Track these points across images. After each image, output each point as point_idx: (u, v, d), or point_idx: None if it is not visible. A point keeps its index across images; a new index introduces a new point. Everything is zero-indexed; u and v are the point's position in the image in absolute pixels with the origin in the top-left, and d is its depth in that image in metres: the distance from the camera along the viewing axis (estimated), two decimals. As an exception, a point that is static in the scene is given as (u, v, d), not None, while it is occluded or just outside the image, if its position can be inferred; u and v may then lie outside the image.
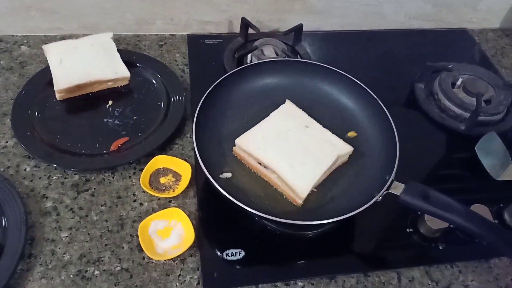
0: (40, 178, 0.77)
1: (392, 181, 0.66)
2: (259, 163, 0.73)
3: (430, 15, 1.15)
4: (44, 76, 0.89)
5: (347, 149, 0.74)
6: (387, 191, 0.65)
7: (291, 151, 0.72)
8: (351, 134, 0.80)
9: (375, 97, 0.78)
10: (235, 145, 0.74)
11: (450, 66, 0.98)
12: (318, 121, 0.78)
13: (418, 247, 0.74)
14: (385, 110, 0.76)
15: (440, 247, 0.73)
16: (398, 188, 0.65)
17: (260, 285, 0.68)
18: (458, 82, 0.97)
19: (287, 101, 0.81)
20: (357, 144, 0.77)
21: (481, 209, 0.74)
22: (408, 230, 0.75)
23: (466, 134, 0.90)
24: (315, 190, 0.72)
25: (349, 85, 0.83)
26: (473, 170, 0.86)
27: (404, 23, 1.15)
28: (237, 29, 1.05)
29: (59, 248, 0.69)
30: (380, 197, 0.65)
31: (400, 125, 0.75)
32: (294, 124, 0.76)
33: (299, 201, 0.69)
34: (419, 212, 0.75)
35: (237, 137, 0.74)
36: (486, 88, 0.95)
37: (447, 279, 0.71)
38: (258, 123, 0.77)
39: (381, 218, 0.77)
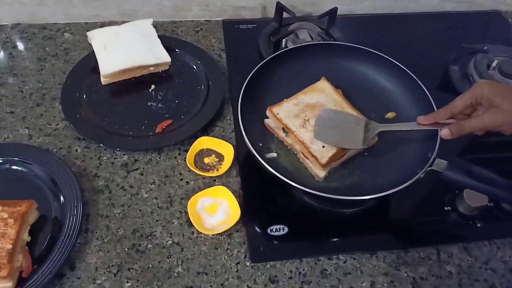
0: (91, 158, 0.81)
1: (435, 158, 0.68)
2: (286, 132, 0.75)
3: (463, -3, 1.15)
4: (89, 62, 0.93)
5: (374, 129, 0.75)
6: (430, 168, 0.67)
7: (316, 122, 0.74)
8: (390, 115, 0.81)
9: (414, 77, 0.80)
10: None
11: (485, 48, 0.99)
12: (356, 102, 0.80)
13: (456, 225, 0.76)
14: (425, 89, 0.78)
15: (478, 225, 0.75)
16: (441, 165, 0.67)
17: (304, 259, 0.71)
18: (494, 64, 0.97)
19: (322, 78, 0.83)
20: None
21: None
22: (446, 208, 0.77)
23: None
24: (336, 166, 0.74)
25: (387, 66, 0.84)
26: (508, 151, 0.87)
27: (436, 6, 1.15)
28: (271, 14, 1.06)
29: (113, 223, 0.73)
30: (423, 174, 0.67)
31: (436, 107, 0.77)
32: (326, 99, 0.79)
33: (321, 174, 0.72)
34: (457, 191, 0.77)
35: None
36: (522, 69, 0.95)
37: (486, 255, 0.73)
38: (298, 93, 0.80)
39: (419, 197, 0.79)
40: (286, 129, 0.75)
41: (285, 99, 0.79)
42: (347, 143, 0.73)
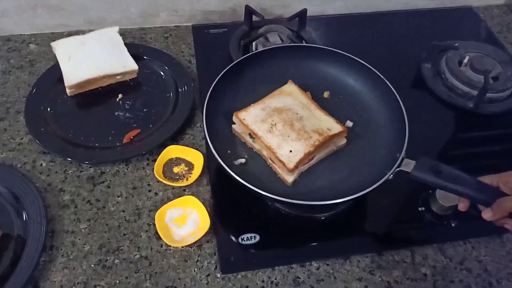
0: (56, 172, 0.79)
1: (403, 158, 0.67)
2: (253, 137, 0.74)
3: (435, -6, 1.15)
4: (54, 73, 0.91)
5: (340, 129, 0.74)
6: (399, 168, 0.66)
7: (284, 127, 0.73)
8: (326, 94, 0.83)
9: (382, 77, 0.79)
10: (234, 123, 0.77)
11: (456, 44, 0.98)
12: (325, 104, 0.79)
13: (430, 225, 0.75)
14: (393, 89, 0.77)
15: (453, 224, 0.74)
16: (409, 165, 0.66)
17: (276, 268, 0.69)
18: (465, 60, 0.96)
19: (289, 81, 0.82)
20: (366, 124, 0.78)
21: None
22: (420, 208, 0.76)
23: (474, 112, 0.90)
24: (304, 171, 0.73)
25: (355, 67, 0.83)
26: (481, 147, 0.87)
27: (409, 3, 1.15)
28: (241, 17, 1.05)
29: (79, 239, 0.71)
30: (392, 175, 0.66)
31: (408, 105, 0.76)
32: (293, 103, 0.77)
33: (289, 179, 0.71)
34: (430, 191, 0.76)
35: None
36: (493, 65, 0.94)
37: (461, 255, 0.72)
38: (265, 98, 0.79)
39: (393, 198, 0.77)
40: (252, 135, 0.73)
41: (251, 104, 0.77)
42: None
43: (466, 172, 0.63)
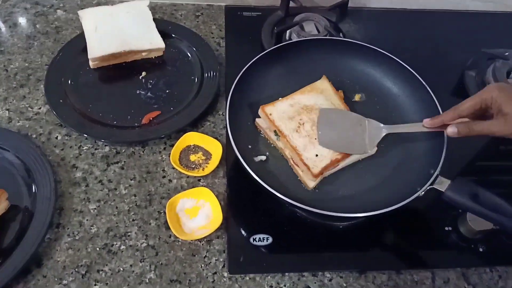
0: (71, 147, 0.76)
1: (437, 175, 0.62)
2: (278, 135, 0.70)
3: (489, -4, 1.06)
4: (79, 43, 0.88)
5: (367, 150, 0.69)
6: (431, 186, 0.61)
7: (313, 128, 0.69)
8: (357, 96, 0.79)
9: (424, 83, 0.73)
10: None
11: (507, 54, 0.90)
12: (358, 105, 0.74)
13: (456, 247, 0.69)
14: (434, 98, 0.71)
15: (481, 249, 0.69)
16: (443, 184, 0.61)
17: (286, 274, 0.66)
18: (515, 72, 0.89)
19: (323, 77, 0.77)
20: (401, 135, 0.73)
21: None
22: (447, 228, 0.71)
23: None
24: (326, 176, 0.69)
25: (395, 68, 0.77)
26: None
27: (459, 4, 1.06)
28: (277, 2, 0.99)
29: (87, 220, 0.69)
30: (423, 192, 0.61)
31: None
32: (324, 103, 0.73)
33: (311, 184, 0.67)
34: (460, 210, 0.70)
35: None
36: (545, 80, 0.87)
37: (485, 284, 0.67)
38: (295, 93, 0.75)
39: (419, 214, 0.72)
40: (278, 132, 0.69)
41: (280, 98, 0.72)
42: (352, 148, 0.68)
43: (506, 199, 0.57)
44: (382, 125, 0.70)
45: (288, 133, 0.68)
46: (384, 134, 0.69)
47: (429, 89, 0.72)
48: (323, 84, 0.76)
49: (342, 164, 0.69)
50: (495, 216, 0.57)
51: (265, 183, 0.62)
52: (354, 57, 0.81)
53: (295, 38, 0.89)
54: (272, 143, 0.72)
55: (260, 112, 0.71)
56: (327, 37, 0.85)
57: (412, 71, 0.74)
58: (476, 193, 0.58)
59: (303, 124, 0.69)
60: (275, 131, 0.70)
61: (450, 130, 0.64)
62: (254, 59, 0.75)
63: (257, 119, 0.73)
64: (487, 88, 0.63)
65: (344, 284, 0.65)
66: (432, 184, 0.61)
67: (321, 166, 0.65)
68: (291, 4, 0.97)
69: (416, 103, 0.75)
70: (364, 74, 0.80)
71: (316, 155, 0.66)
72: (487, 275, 0.68)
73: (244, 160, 0.64)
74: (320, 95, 0.74)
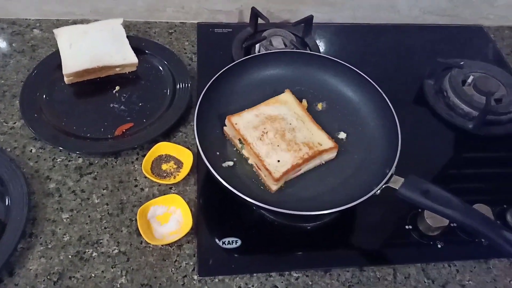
0: (45, 159, 0.78)
1: (392, 175, 0.65)
2: (243, 143, 0.73)
3: (446, 10, 1.13)
4: (54, 60, 0.90)
5: (330, 145, 0.73)
6: (386, 184, 0.64)
7: (276, 136, 0.73)
8: (320, 106, 0.82)
9: (380, 90, 0.77)
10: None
11: (462, 63, 0.96)
12: (321, 114, 0.79)
13: (416, 244, 0.73)
14: (389, 103, 0.75)
15: (439, 245, 0.72)
16: (397, 182, 0.64)
17: (254, 275, 0.68)
18: (469, 80, 0.94)
19: (287, 91, 0.81)
20: (360, 137, 0.77)
21: (482, 209, 0.73)
22: (407, 226, 0.74)
23: (473, 133, 0.88)
24: (292, 180, 0.72)
25: (355, 78, 0.81)
26: (478, 170, 0.85)
27: (418, 18, 1.13)
28: (247, 18, 1.04)
29: (60, 229, 0.70)
30: (379, 191, 0.65)
31: (407, 121, 0.75)
32: (287, 113, 0.77)
33: (273, 187, 0.70)
34: (419, 209, 0.74)
35: None
36: (498, 87, 0.92)
37: (444, 278, 0.70)
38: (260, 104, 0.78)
39: (381, 213, 0.76)
40: (242, 140, 0.72)
41: (246, 109, 0.76)
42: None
43: (456, 195, 0.61)
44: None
45: (252, 141, 0.72)
46: None
47: (385, 96, 0.76)
48: (287, 96, 0.80)
49: (304, 169, 0.72)
50: (445, 210, 0.60)
51: (232, 187, 0.64)
52: (318, 68, 0.85)
53: (263, 52, 0.94)
54: (238, 150, 0.75)
55: (226, 121, 0.75)
56: (292, 50, 0.90)
57: (369, 79, 0.79)
58: (427, 190, 0.62)
59: (266, 132, 0.73)
60: (239, 139, 0.73)
61: None
62: (223, 70, 0.79)
63: (224, 128, 0.76)
64: None
65: (310, 282, 0.68)
66: (387, 182, 0.65)
67: (282, 171, 0.68)
68: (260, 21, 1.02)
69: (374, 110, 0.79)
70: (326, 84, 0.84)
71: (278, 161, 0.70)
72: (445, 269, 0.71)
73: (212, 166, 0.66)
74: (283, 106, 0.78)
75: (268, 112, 0.76)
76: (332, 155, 0.74)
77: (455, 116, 0.90)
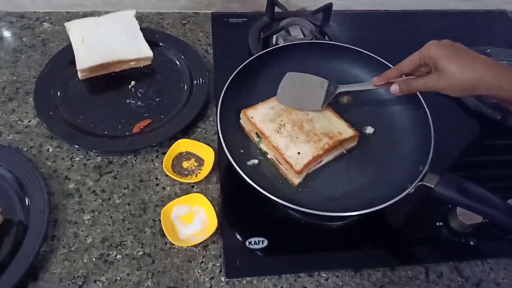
0: (62, 159, 0.76)
1: (426, 172, 0.63)
2: (260, 137, 0.71)
3: (468, -5, 1.09)
4: (67, 54, 0.88)
5: (351, 133, 0.72)
6: (421, 182, 0.62)
7: (294, 128, 0.71)
8: (345, 99, 0.80)
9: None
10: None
11: (488, 50, 0.93)
12: (344, 106, 0.77)
13: (447, 242, 0.71)
14: (420, 96, 0.72)
15: (471, 243, 0.70)
16: (432, 180, 0.62)
17: (283, 275, 0.66)
18: (497, 68, 0.91)
19: None
20: (388, 132, 0.74)
21: (517, 205, 0.70)
22: (438, 223, 0.72)
23: (502, 124, 0.85)
24: (314, 174, 0.71)
25: (379, 67, 0.78)
26: (509, 163, 0.82)
27: (439, 4, 1.09)
28: (263, 7, 1.00)
29: (82, 230, 0.69)
30: (413, 189, 0.62)
31: (434, 113, 0.72)
32: None
33: (296, 181, 0.68)
34: (450, 205, 0.72)
35: None
36: (527, 75, 0.89)
37: (477, 276, 0.68)
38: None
39: (410, 211, 0.74)
40: (259, 134, 0.71)
41: (260, 102, 0.74)
42: (307, 105, 0.73)
43: (492, 192, 0.59)
44: (337, 85, 0.74)
45: (269, 134, 0.70)
46: (338, 91, 0.74)
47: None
48: None
49: (325, 160, 0.70)
50: (483, 208, 0.58)
51: (258, 186, 0.62)
52: (340, 59, 0.82)
53: (281, 43, 0.91)
54: (255, 143, 0.73)
55: (242, 115, 0.73)
56: (313, 41, 0.87)
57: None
58: (464, 188, 0.60)
59: (284, 125, 0.71)
60: (256, 133, 0.71)
61: (393, 88, 0.67)
62: (243, 65, 0.76)
63: (241, 120, 0.74)
64: (426, 44, 0.65)
65: (340, 283, 0.66)
66: (421, 180, 0.62)
67: (303, 163, 0.67)
68: (276, 9, 0.98)
69: (402, 101, 0.76)
70: (350, 76, 0.81)
71: (298, 153, 0.68)
72: (478, 267, 0.69)
73: (237, 164, 0.64)
74: None
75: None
76: (353, 143, 0.73)
77: (483, 107, 0.87)
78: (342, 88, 0.74)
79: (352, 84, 0.74)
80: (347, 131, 0.72)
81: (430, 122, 0.69)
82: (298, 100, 0.73)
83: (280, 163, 0.69)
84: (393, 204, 0.62)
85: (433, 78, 0.62)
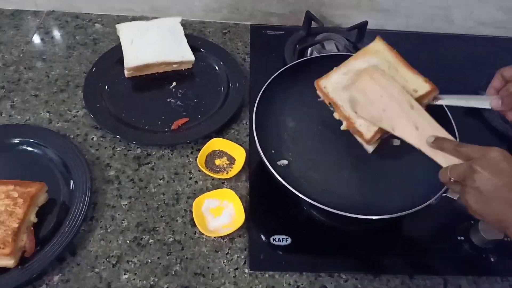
0: (105, 148, 0.82)
1: (451, 183, 0.65)
2: (333, 106, 0.71)
3: (502, 22, 1.11)
4: (115, 54, 0.95)
5: (427, 88, 0.67)
6: (444, 194, 0.64)
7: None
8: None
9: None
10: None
11: (519, 76, 0.94)
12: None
13: (468, 256, 0.72)
14: (448, 113, 0.75)
15: (492, 259, 0.71)
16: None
17: (304, 273, 0.69)
18: (526, 94, 0.92)
19: (377, 38, 0.75)
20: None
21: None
22: (459, 237, 0.74)
23: (529, 147, 0.86)
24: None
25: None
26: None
27: (472, 29, 1.12)
28: (300, 22, 1.05)
29: (119, 214, 0.73)
30: (435, 200, 0.64)
31: (461, 132, 0.74)
32: (378, 64, 0.72)
33: (370, 149, 0.69)
34: (472, 221, 0.73)
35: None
36: (556, 102, 0.90)
37: (496, 292, 0.69)
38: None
39: (433, 222, 0.76)
40: (332, 104, 0.71)
41: (334, 68, 0.74)
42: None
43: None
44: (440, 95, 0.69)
45: (342, 103, 0.69)
46: (436, 103, 0.69)
47: (445, 107, 0.76)
48: (377, 45, 0.74)
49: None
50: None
51: (288, 184, 0.66)
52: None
53: (315, 55, 0.95)
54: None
55: (316, 85, 0.73)
56: (346, 53, 0.91)
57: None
58: (487, 201, 0.61)
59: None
60: (329, 103, 0.72)
61: (493, 103, 0.61)
62: (279, 71, 0.81)
63: (317, 91, 0.74)
64: None
65: (359, 286, 0.68)
66: (445, 192, 0.64)
67: (373, 130, 0.67)
68: (313, 24, 1.03)
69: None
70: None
71: None
72: (498, 284, 0.70)
73: (269, 163, 0.68)
74: (373, 56, 0.73)
75: (357, 67, 0.72)
76: (430, 97, 0.69)
77: (510, 130, 0.89)
78: (442, 102, 0.68)
79: (456, 99, 0.68)
80: (423, 86, 0.68)
81: (457, 136, 0.71)
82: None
83: (354, 133, 0.70)
84: (415, 214, 0.64)
85: None
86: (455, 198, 0.63)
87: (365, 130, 0.68)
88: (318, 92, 0.74)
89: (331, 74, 0.73)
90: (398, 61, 0.72)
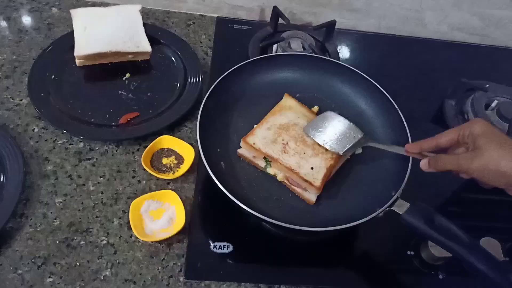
0: (46, 140, 0.77)
1: (397, 198, 0.62)
2: (268, 160, 0.70)
3: (476, 29, 1.08)
4: (68, 40, 0.89)
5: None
6: (390, 207, 0.61)
7: (297, 144, 0.70)
8: (314, 108, 0.79)
9: (395, 104, 0.74)
10: (240, 147, 0.72)
11: (487, 86, 0.92)
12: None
13: (416, 273, 0.69)
14: (403, 120, 0.72)
15: (440, 276, 0.69)
16: (402, 207, 0.61)
17: (242, 284, 0.66)
18: (493, 104, 0.90)
19: (286, 95, 0.78)
20: (370, 154, 0.73)
21: (491, 244, 0.69)
22: (409, 252, 0.71)
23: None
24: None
25: (371, 91, 0.78)
26: (492, 201, 0.80)
27: (446, 34, 1.09)
28: (268, 17, 1.01)
29: (51, 212, 0.69)
30: (381, 213, 0.61)
31: (416, 140, 0.71)
32: (297, 117, 0.74)
33: (313, 197, 0.67)
34: (417, 237, 0.71)
35: (245, 130, 0.73)
36: (523, 115, 0.87)
37: (442, 311, 0.67)
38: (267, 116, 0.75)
39: (383, 235, 0.73)
40: (269, 158, 0.69)
41: (255, 125, 0.73)
42: (330, 144, 0.69)
43: (464, 228, 0.58)
44: (368, 138, 0.70)
45: (278, 156, 0.69)
46: (365, 145, 0.70)
47: (400, 113, 0.73)
48: (288, 101, 0.77)
49: (337, 166, 0.70)
50: (447, 242, 0.56)
51: (228, 190, 0.62)
52: (333, 76, 0.82)
53: (280, 53, 0.91)
54: (261, 170, 0.72)
55: (242, 144, 0.71)
56: (308, 54, 0.87)
57: (386, 94, 0.75)
58: (432, 219, 0.58)
59: (287, 143, 0.70)
60: (264, 158, 0.70)
61: (422, 163, 0.62)
62: (235, 67, 0.77)
63: (239, 150, 0.73)
64: (470, 121, 0.61)
65: (299, 299, 0.65)
66: (391, 205, 0.61)
67: (320, 177, 0.66)
68: (280, 21, 0.99)
69: (388, 126, 0.75)
70: (340, 93, 0.81)
71: (312, 168, 0.67)
72: (444, 302, 0.68)
73: (210, 164, 0.64)
74: (289, 112, 0.75)
75: (278, 121, 0.73)
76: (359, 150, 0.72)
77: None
78: (371, 144, 0.69)
79: (384, 145, 0.70)
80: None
81: (410, 139, 0.69)
82: (323, 136, 0.70)
83: (293, 184, 0.69)
84: (366, 226, 0.62)
85: (468, 156, 0.57)
86: (400, 213, 0.60)
87: (312, 178, 0.66)
88: (242, 150, 0.72)
89: (255, 130, 0.72)
90: (312, 115, 0.75)
